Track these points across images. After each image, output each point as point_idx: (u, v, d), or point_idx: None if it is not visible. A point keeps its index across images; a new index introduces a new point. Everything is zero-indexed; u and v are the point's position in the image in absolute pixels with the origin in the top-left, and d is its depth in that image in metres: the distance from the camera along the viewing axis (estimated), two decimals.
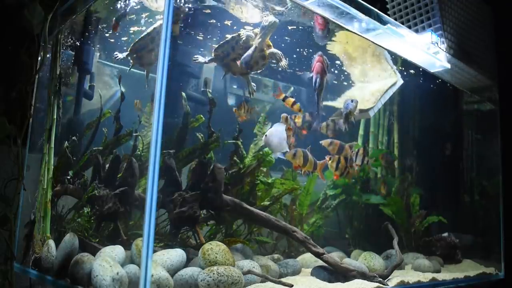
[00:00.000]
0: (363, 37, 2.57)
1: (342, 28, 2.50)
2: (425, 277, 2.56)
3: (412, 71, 3.21)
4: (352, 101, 2.82)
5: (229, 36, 2.39)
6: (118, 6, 2.49)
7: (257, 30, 2.33)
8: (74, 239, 1.93)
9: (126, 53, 2.51)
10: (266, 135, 2.44)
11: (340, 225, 3.41)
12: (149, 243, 1.38)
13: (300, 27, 2.74)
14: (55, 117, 2.29)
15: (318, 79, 2.45)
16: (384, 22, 2.48)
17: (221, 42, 2.42)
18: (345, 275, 2.22)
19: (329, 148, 2.89)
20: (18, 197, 1.99)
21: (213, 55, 2.49)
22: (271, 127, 2.59)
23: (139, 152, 2.46)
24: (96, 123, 2.53)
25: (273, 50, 2.33)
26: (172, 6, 1.55)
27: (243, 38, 2.28)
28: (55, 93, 2.32)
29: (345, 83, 3.62)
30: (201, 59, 2.55)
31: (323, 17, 2.38)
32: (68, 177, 2.35)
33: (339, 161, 2.75)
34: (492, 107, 3.50)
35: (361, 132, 3.83)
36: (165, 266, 1.85)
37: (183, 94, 2.60)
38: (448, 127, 3.94)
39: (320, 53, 2.50)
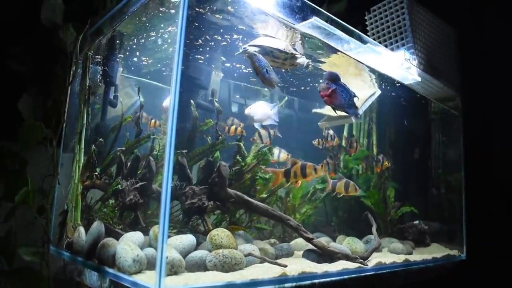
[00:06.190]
0: (347, 55, 2.58)
1: (330, 48, 2.50)
2: (399, 258, 2.57)
3: (388, 83, 3.22)
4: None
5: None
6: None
7: None
8: (100, 226, 1.93)
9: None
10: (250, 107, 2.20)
11: (327, 214, 3.41)
12: (165, 229, 1.39)
13: None
14: (84, 122, 2.30)
15: None
16: (364, 42, 2.48)
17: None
18: (331, 257, 2.23)
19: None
20: (53, 190, 2.01)
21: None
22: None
23: (156, 152, 2.46)
24: (119, 127, 2.54)
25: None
26: (187, 11, 1.41)
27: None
28: (85, 101, 2.33)
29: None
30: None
31: None
32: (96, 173, 2.36)
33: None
34: (456, 114, 3.52)
35: (345, 134, 3.83)
36: (178, 249, 1.86)
37: (192, 102, 2.60)
38: (418, 131, 3.96)
39: None
